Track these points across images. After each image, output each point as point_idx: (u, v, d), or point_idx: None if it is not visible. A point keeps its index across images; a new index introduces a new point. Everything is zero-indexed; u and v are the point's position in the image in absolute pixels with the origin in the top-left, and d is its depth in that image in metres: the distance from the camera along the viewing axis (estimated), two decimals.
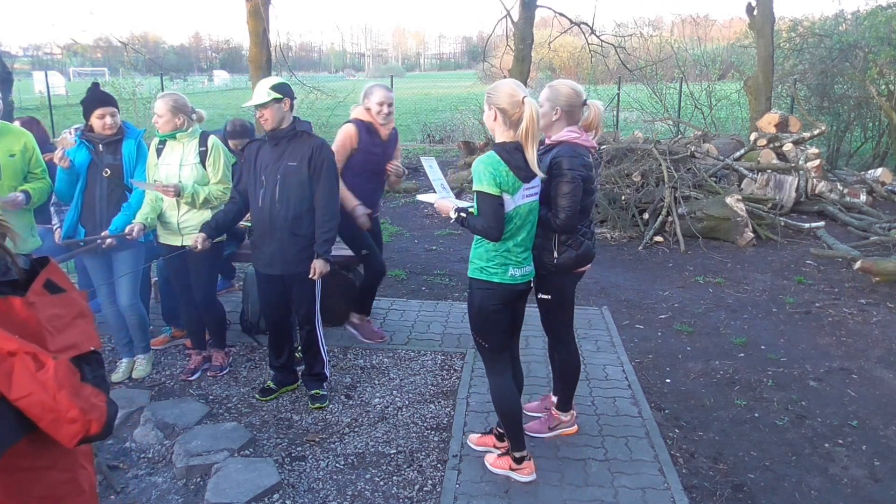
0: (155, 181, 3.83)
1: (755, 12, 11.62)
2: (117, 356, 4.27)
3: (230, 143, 4.88)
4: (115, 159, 3.89)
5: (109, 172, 3.87)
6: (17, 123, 4.27)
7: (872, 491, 3.14)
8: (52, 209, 4.36)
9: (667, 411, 3.84)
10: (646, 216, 7.73)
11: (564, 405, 3.49)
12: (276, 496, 3.01)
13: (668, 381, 4.22)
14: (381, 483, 3.13)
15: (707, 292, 5.89)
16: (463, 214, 2.89)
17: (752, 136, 9.89)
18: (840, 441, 3.55)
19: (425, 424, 3.63)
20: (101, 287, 4.06)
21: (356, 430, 3.58)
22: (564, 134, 3.05)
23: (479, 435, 3.39)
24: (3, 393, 1.29)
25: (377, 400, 3.90)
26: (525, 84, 12.19)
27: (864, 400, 3.99)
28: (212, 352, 4.29)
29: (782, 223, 7.77)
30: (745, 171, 8.90)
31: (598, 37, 13.81)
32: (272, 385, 3.94)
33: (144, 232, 3.78)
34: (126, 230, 3.70)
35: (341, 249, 4.93)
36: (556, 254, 3.09)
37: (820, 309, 5.46)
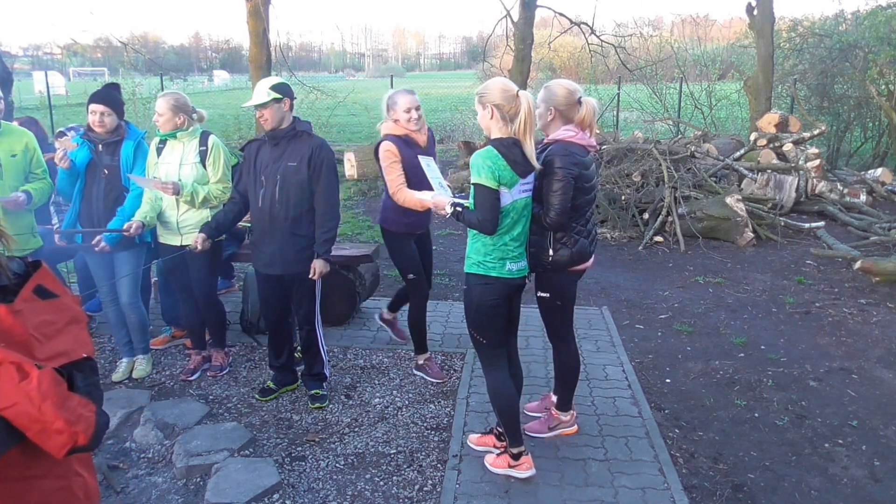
0: (154, 178, 3.83)
1: (755, 12, 11.63)
2: (117, 356, 4.27)
3: None
4: (113, 160, 3.89)
5: (108, 173, 3.88)
6: (15, 123, 4.27)
7: (872, 491, 3.14)
8: (51, 208, 4.36)
9: (667, 411, 3.84)
10: (646, 216, 7.73)
11: (564, 405, 3.49)
12: (276, 496, 3.01)
13: (668, 381, 4.22)
14: (381, 483, 3.13)
15: (707, 292, 5.89)
16: (458, 209, 2.92)
17: (752, 136, 9.89)
18: (840, 441, 3.55)
19: (425, 424, 3.63)
20: (101, 286, 4.07)
21: (356, 430, 3.58)
22: (560, 133, 3.08)
23: (479, 435, 3.39)
24: None
25: (377, 400, 3.90)
26: (525, 84, 12.25)
27: (864, 400, 3.99)
28: (212, 352, 4.29)
29: (782, 223, 7.77)
30: (745, 171, 8.90)
31: (598, 37, 13.80)
32: (272, 385, 3.94)
33: (143, 230, 3.78)
34: (124, 226, 3.71)
35: (341, 249, 4.94)
36: (551, 251, 3.11)
37: (820, 309, 5.46)
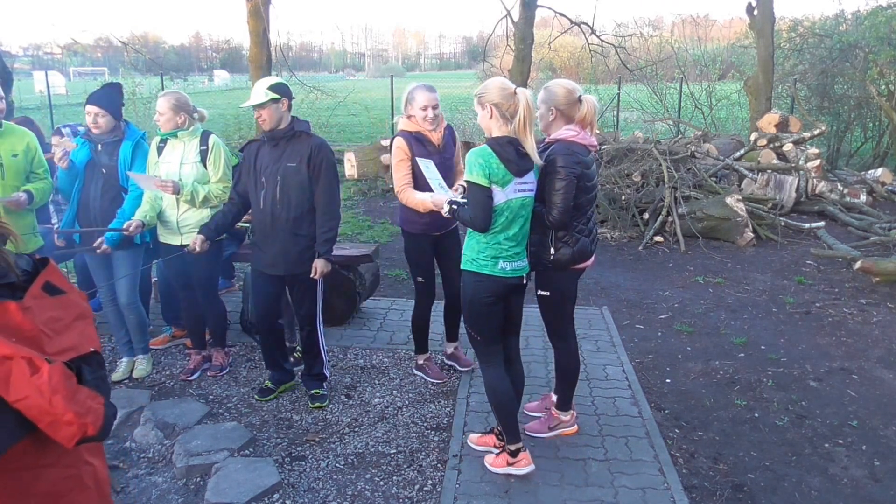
0: (154, 176, 3.83)
1: (755, 12, 11.63)
2: (117, 356, 4.28)
3: None
4: (112, 160, 3.90)
5: (105, 172, 3.88)
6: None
7: (872, 491, 3.14)
8: (51, 207, 4.36)
9: (667, 411, 3.84)
10: (646, 216, 7.73)
11: (564, 405, 3.49)
12: (276, 496, 3.02)
13: (668, 381, 4.22)
14: (381, 483, 3.13)
15: (707, 292, 5.89)
16: (455, 206, 2.97)
17: (753, 136, 9.90)
18: (840, 441, 3.55)
19: (425, 424, 3.63)
20: (101, 286, 4.07)
21: (356, 429, 3.58)
22: (562, 132, 3.09)
23: (480, 435, 3.39)
24: (2, 396, 1.31)
25: (377, 400, 3.90)
26: (525, 84, 12.24)
27: (864, 400, 3.99)
28: (212, 351, 4.29)
29: (782, 223, 7.77)
30: (746, 171, 8.90)
31: (598, 37, 13.79)
32: (270, 385, 3.94)
33: (143, 229, 3.78)
34: (124, 225, 3.71)
35: (341, 249, 4.94)
36: (552, 250, 3.12)
37: (820, 309, 5.46)
